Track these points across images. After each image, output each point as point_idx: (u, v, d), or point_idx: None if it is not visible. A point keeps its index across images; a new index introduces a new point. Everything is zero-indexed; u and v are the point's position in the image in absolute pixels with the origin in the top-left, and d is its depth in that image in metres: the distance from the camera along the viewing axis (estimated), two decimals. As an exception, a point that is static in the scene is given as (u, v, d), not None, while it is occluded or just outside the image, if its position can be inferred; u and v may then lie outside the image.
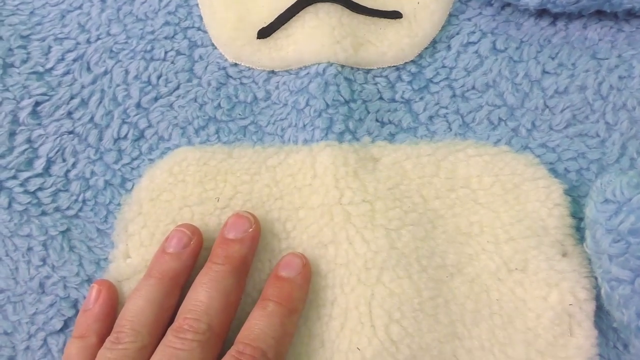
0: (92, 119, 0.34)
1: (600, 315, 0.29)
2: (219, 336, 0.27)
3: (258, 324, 0.27)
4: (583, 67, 0.34)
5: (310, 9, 0.34)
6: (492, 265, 0.29)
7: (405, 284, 0.29)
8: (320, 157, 0.31)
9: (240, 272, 0.28)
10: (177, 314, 0.27)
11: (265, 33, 0.34)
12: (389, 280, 0.29)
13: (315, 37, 0.33)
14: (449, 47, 0.35)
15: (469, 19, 0.35)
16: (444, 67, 0.34)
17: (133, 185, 0.32)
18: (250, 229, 0.29)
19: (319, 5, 0.34)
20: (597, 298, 0.28)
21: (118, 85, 0.34)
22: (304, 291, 0.28)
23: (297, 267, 0.29)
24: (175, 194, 0.31)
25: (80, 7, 0.36)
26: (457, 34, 0.35)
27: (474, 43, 0.35)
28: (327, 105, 0.33)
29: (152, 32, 0.35)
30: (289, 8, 0.34)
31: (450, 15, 0.35)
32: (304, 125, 0.33)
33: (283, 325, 0.27)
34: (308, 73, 0.34)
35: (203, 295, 0.27)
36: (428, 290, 0.29)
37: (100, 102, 0.34)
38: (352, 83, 0.33)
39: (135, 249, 0.30)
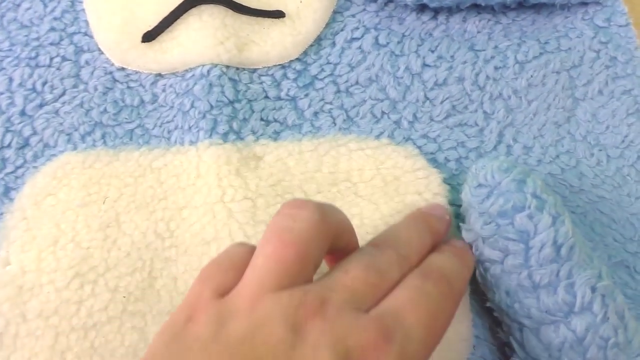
0: (-28, 127, 0.33)
1: (475, 297, 0.30)
2: None
3: (436, 258, 0.26)
4: (461, 59, 0.35)
5: (194, 11, 0.34)
6: (370, 255, 0.30)
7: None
8: (203, 157, 0.32)
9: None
10: None
11: (150, 36, 0.34)
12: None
13: (199, 39, 0.34)
14: (333, 44, 0.35)
15: (353, 16, 0.36)
16: (328, 63, 0.35)
17: (17, 194, 0.32)
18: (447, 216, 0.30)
19: (203, 7, 0.34)
20: (471, 282, 0.29)
21: (2, 94, 0.34)
22: (473, 258, 0.29)
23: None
24: (59, 197, 0.31)
25: (-38, 15, 0.36)
26: (342, 30, 0.36)
27: (358, 39, 0.35)
28: (211, 106, 0.33)
29: (37, 39, 0.35)
30: (172, 11, 0.34)
31: (335, 12, 0.36)
32: (189, 127, 0.33)
33: (461, 269, 0.27)
34: (193, 75, 0.34)
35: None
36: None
37: (-17, 111, 0.34)
38: (237, 83, 0.34)
39: (16, 254, 0.30)
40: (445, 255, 0.26)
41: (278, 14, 0.35)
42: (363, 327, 0.21)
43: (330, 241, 0.23)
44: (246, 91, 0.34)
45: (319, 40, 0.35)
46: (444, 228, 0.29)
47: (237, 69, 0.34)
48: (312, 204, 0.23)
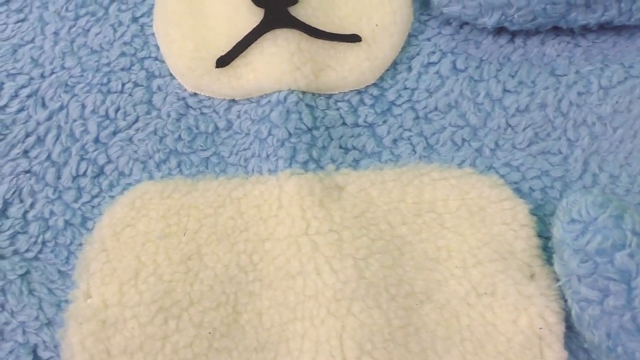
0: (49, 156, 0.33)
1: (570, 336, 0.29)
2: None
3: None
4: (542, 85, 0.34)
5: (268, 35, 0.33)
6: (461, 291, 0.29)
7: (375, 314, 0.28)
8: (285, 187, 0.31)
9: None
10: None
11: (223, 62, 0.33)
12: (359, 311, 0.28)
13: (275, 64, 0.33)
14: (409, 69, 0.34)
15: (429, 39, 0.35)
16: (405, 88, 0.34)
17: (94, 224, 0.31)
18: None
19: (277, 31, 0.33)
20: (567, 319, 0.28)
21: (75, 121, 0.33)
22: None
23: None
24: (138, 229, 0.31)
25: (32, 41, 0.35)
26: (418, 54, 0.35)
27: (435, 63, 0.35)
28: (290, 134, 0.32)
29: (108, 64, 0.34)
30: (246, 35, 0.33)
31: (410, 35, 0.35)
32: (268, 155, 0.32)
33: None
34: (269, 101, 0.33)
35: None
36: (398, 319, 0.29)
37: (57, 139, 0.33)
38: (314, 110, 0.33)
39: (96, 287, 0.29)
40: None
41: (354, 38, 0.34)
42: None
43: None
44: (324, 118, 0.33)
45: (395, 64, 0.34)
46: None
47: (313, 94, 0.33)
48: None
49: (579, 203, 0.28)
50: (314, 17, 0.34)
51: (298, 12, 0.34)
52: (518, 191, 0.32)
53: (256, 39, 0.33)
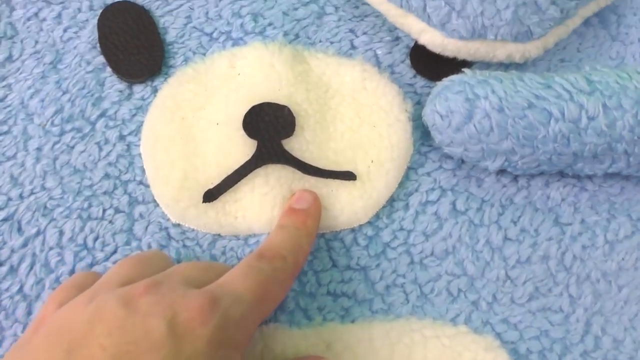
0: (21, 289, 0.31)
1: None
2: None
3: (276, 238, 0.29)
4: (546, 235, 0.32)
5: (260, 171, 0.32)
6: None
7: None
8: (268, 344, 0.29)
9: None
10: None
11: (211, 196, 0.32)
12: None
13: (265, 206, 0.31)
14: (407, 206, 0.33)
15: (429, 174, 0.33)
16: (401, 229, 0.32)
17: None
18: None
19: (270, 167, 0.32)
20: None
21: (51, 249, 0.32)
22: (316, 219, 0.30)
23: (309, 200, 0.31)
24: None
25: (14, 157, 0.33)
26: (416, 190, 0.33)
27: (433, 202, 0.33)
28: (276, 278, 0.30)
29: (91, 187, 0.33)
30: (237, 170, 0.32)
31: (409, 168, 0.33)
32: (251, 300, 0.30)
33: (300, 241, 0.29)
34: (258, 241, 0.32)
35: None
36: None
37: (31, 269, 0.31)
38: (303, 251, 0.31)
39: None
40: (284, 231, 0.29)
41: (348, 176, 0.32)
42: (191, 296, 0.24)
43: None
44: (312, 260, 0.31)
45: (391, 201, 0.33)
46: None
47: (304, 234, 0.32)
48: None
49: None
50: (307, 151, 0.32)
51: (292, 145, 0.32)
52: (515, 352, 0.30)
53: (247, 174, 0.32)
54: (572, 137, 0.30)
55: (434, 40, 0.32)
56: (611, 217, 0.33)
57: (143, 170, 0.33)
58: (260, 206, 0.31)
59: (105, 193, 0.33)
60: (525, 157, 0.31)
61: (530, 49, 0.32)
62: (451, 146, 0.32)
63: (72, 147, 0.34)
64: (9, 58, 0.35)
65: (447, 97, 0.31)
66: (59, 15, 0.36)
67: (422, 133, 0.34)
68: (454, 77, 0.31)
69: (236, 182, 0.32)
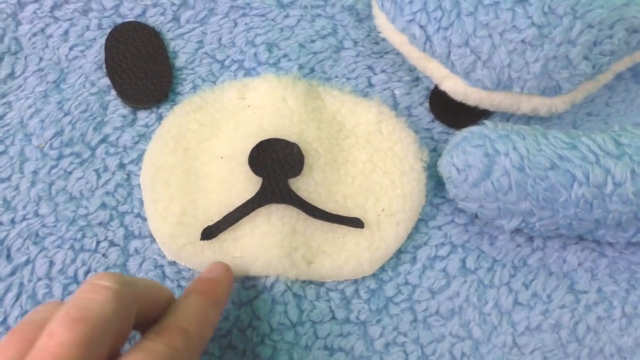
0: (4, 320, 0.30)
1: None
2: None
3: (180, 308, 0.25)
4: (559, 302, 0.30)
5: (262, 210, 0.30)
6: None
7: None
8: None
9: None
10: None
11: (210, 234, 0.30)
12: None
13: (265, 247, 0.30)
14: (414, 260, 0.31)
15: (439, 228, 0.32)
16: (406, 284, 0.31)
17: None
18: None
19: (273, 207, 0.30)
20: None
21: (39, 280, 0.30)
22: (226, 289, 0.28)
23: (220, 270, 0.29)
24: None
25: (9, 179, 0.32)
26: (425, 244, 0.32)
27: (442, 258, 0.31)
28: (272, 329, 0.29)
29: (86, 216, 0.31)
30: (239, 207, 0.30)
31: (420, 220, 0.32)
32: (244, 351, 0.29)
33: (206, 311, 0.26)
34: (254, 285, 0.30)
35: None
36: None
37: (17, 300, 0.30)
38: (301, 301, 0.30)
39: None
40: (191, 300, 0.26)
41: (356, 223, 0.31)
42: None
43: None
44: (311, 311, 0.30)
45: (398, 252, 0.31)
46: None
47: (303, 282, 0.30)
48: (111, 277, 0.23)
49: None
50: (315, 192, 0.31)
51: (299, 185, 0.31)
52: None
53: (249, 213, 0.30)
54: (595, 203, 0.28)
55: (457, 88, 0.30)
56: (631, 287, 0.31)
57: (141, 202, 0.32)
58: (260, 247, 0.30)
59: (100, 224, 0.31)
60: (544, 220, 0.29)
61: (557, 103, 0.30)
62: (466, 201, 0.30)
63: (70, 173, 0.32)
64: (11, 74, 0.34)
65: (465, 150, 0.29)
66: (66, 32, 0.34)
67: (435, 183, 0.32)
68: (474, 129, 0.30)
69: (237, 220, 0.30)
